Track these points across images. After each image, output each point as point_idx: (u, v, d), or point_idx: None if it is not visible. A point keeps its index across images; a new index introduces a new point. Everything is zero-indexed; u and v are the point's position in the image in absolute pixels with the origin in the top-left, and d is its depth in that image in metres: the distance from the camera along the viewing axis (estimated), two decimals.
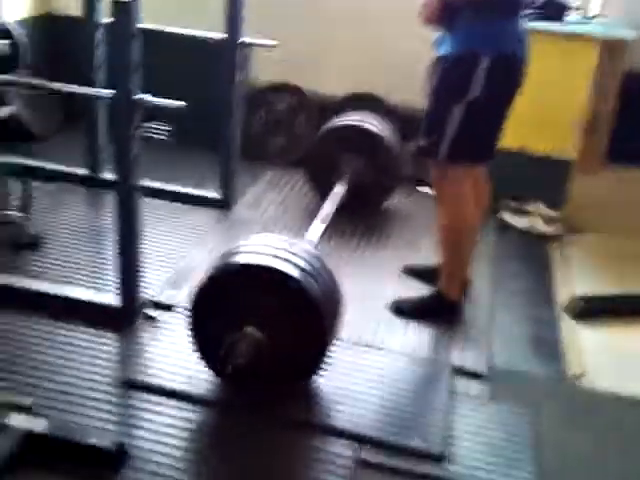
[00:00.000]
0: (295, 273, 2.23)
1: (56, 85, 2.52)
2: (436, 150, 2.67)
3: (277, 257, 2.26)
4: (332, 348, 2.38)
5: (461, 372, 2.62)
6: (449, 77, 2.61)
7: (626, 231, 3.80)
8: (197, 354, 2.40)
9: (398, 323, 2.86)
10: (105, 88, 2.68)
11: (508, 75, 2.62)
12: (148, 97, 2.31)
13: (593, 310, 3.12)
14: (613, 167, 3.92)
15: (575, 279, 3.42)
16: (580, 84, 3.68)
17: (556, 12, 3.64)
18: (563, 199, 3.86)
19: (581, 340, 2.96)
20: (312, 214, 3.61)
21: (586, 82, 3.67)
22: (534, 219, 3.80)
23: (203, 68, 3.87)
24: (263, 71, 4.20)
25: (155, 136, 2.32)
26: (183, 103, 2.34)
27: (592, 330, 3.05)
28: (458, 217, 2.80)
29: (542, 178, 3.82)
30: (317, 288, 2.24)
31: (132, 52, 2.27)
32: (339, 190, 3.34)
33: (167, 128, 2.31)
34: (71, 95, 3.64)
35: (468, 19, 2.53)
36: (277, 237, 2.49)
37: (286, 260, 2.25)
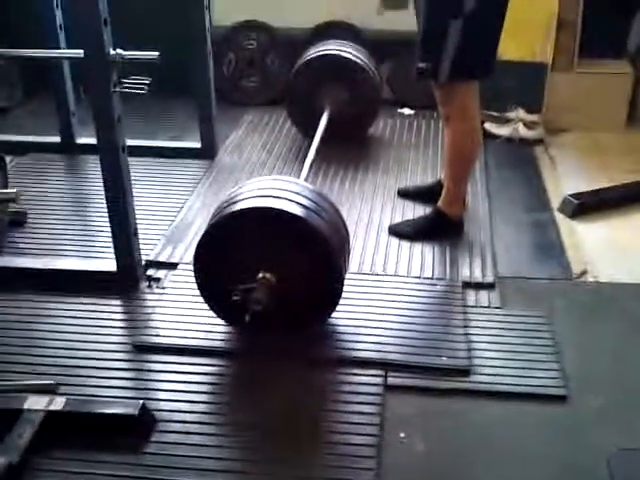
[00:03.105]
0: (299, 211, 2.21)
1: (21, 52, 2.40)
2: (437, 71, 2.63)
3: (278, 198, 2.23)
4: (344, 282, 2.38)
5: (471, 285, 2.65)
6: None
7: (604, 125, 3.84)
8: (208, 308, 2.39)
9: (401, 247, 2.87)
10: (71, 48, 2.57)
11: None
12: (122, 52, 2.22)
13: (586, 206, 3.16)
14: (586, 63, 3.91)
15: (564, 179, 3.46)
16: None
17: None
18: (542, 103, 3.88)
19: (579, 237, 3.01)
20: (298, 152, 3.61)
21: None
22: (516, 126, 3.81)
23: (166, 15, 3.74)
24: (227, 13, 4.10)
25: (134, 91, 2.24)
26: (156, 53, 2.27)
27: (588, 226, 3.10)
28: (466, 133, 2.81)
29: (519, 84, 3.82)
30: (323, 223, 2.22)
31: (101, 5, 2.16)
32: (323, 124, 3.29)
33: (145, 81, 2.22)
34: (31, 62, 3.55)
35: None
36: (273, 179, 2.46)
37: (288, 199, 2.23)
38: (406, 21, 2.87)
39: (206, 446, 2.00)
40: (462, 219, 2.96)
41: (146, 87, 2.25)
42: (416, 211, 3.10)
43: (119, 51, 2.24)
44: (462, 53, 2.58)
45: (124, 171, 2.46)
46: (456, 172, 2.89)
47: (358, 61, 3.57)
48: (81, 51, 2.28)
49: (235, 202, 2.27)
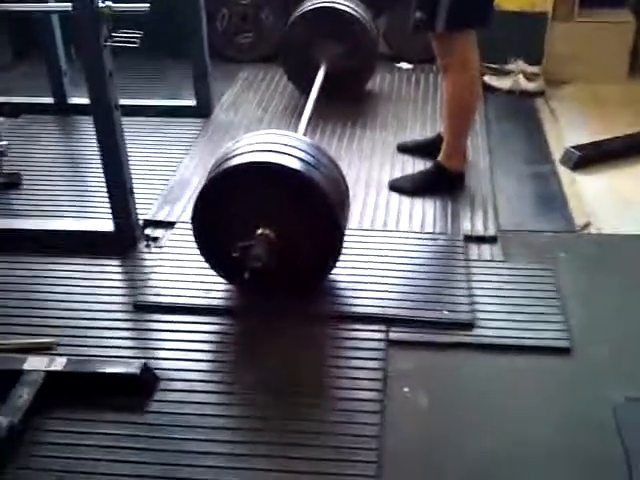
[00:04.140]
0: (298, 165, 2.16)
1: (7, 7, 2.33)
2: (433, 22, 2.58)
3: (277, 152, 2.19)
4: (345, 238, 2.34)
5: (472, 239, 2.62)
6: None
7: (606, 75, 3.78)
8: (207, 266, 2.36)
9: (402, 202, 2.83)
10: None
11: None
12: (111, 4, 2.16)
13: (588, 158, 3.12)
14: (587, 12, 3.83)
15: (565, 131, 3.42)
16: None
17: None
18: (542, 54, 3.81)
19: (581, 189, 2.98)
20: (294, 108, 3.55)
21: None
22: (516, 78, 3.74)
23: None
24: None
25: (125, 45, 2.18)
26: (147, 5, 2.20)
27: (590, 178, 3.07)
28: (465, 85, 2.76)
29: (519, 35, 3.74)
30: (322, 178, 2.18)
31: None
32: (319, 78, 3.22)
33: (137, 35, 2.16)
34: (18, 18, 3.47)
35: None
36: (270, 133, 2.41)
37: (286, 154, 2.18)
38: None
39: (209, 404, 2.00)
40: (463, 173, 2.92)
41: (138, 41, 2.19)
42: (416, 166, 3.05)
43: (108, 3, 2.19)
44: (459, 1, 2.52)
45: (117, 128, 2.41)
46: (456, 125, 2.84)
47: (354, 13, 3.49)
48: (69, 4, 2.21)
49: (232, 157, 2.22)
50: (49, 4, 2.50)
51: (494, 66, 3.77)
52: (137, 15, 2.24)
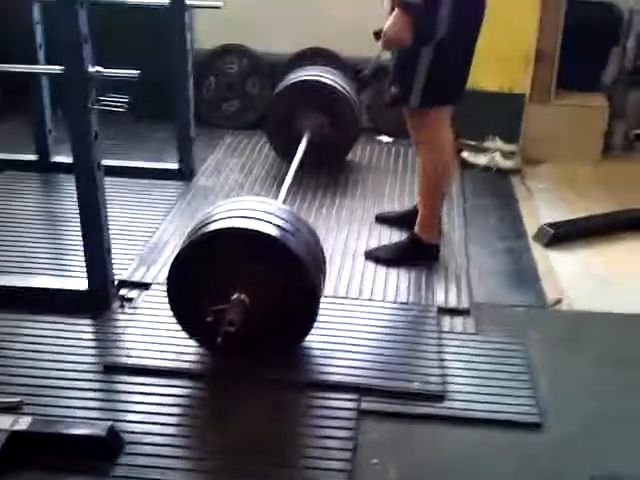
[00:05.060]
0: (274, 232, 2.19)
1: (2, 67, 2.38)
2: (408, 97, 2.66)
3: (254, 219, 2.22)
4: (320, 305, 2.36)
5: (446, 311, 2.65)
6: (415, 22, 2.55)
7: (580, 156, 3.88)
8: (180, 329, 2.36)
9: (377, 271, 2.86)
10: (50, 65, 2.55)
11: (471, 11, 2.62)
12: (101, 69, 2.22)
13: (561, 236, 3.19)
14: (564, 95, 3.97)
15: (540, 208, 3.49)
16: (527, 18, 3.75)
17: None
18: (519, 133, 3.92)
19: (554, 266, 3.02)
20: (276, 175, 3.61)
21: (533, 16, 3.75)
22: (493, 155, 3.84)
23: (147, 36, 3.75)
24: (208, 35, 4.10)
25: (112, 109, 2.23)
26: (136, 72, 2.26)
27: (563, 255, 3.12)
28: (438, 160, 2.82)
29: (497, 114, 3.86)
30: (299, 244, 2.21)
31: (81, 22, 2.17)
32: (302, 148, 3.29)
33: (124, 99, 2.21)
34: (10, 77, 3.53)
35: None
36: (249, 199, 2.45)
37: (264, 221, 2.21)
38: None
39: (175, 469, 1.96)
40: (438, 245, 2.96)
41: (125, 105, 2.24)
42: (392, 236, 3.10)
43: (98, 68, 2.24)
44: (432, 79, 2.61)
45: (99, 188, 2.44)
46: (428, 198, 2.90)
47: (338, 87, 3.59)
48: (61, 67, 2.27)
49: (210, 222, 2.25)
50: (40, 66, 2.56)
51: (472, 143, 3.87)
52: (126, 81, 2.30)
